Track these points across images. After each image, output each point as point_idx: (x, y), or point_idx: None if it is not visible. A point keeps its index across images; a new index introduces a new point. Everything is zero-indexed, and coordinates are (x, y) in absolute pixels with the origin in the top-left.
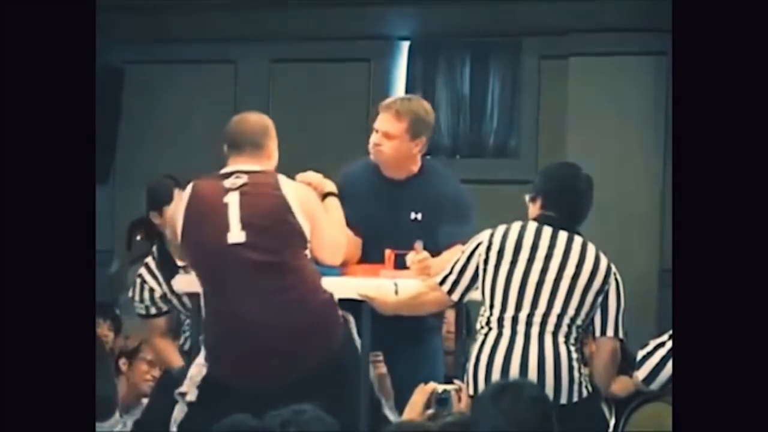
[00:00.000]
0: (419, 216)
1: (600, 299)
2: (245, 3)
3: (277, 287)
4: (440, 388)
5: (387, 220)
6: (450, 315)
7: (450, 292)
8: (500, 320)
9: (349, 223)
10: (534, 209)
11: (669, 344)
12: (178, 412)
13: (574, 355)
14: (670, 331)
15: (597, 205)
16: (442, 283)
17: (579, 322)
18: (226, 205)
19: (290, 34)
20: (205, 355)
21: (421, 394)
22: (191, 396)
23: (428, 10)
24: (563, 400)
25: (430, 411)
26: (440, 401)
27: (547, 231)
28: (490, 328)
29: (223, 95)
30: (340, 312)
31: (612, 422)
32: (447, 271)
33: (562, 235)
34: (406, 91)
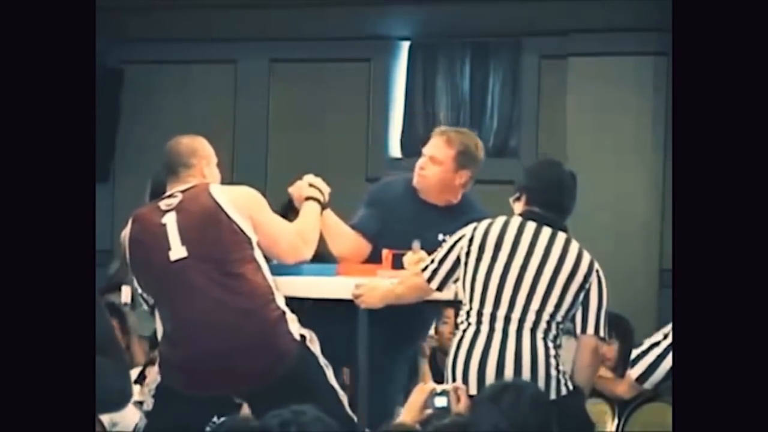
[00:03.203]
0: (447, 237)
1: (581, 296)
2: (245, 3)
3: (223, 300)
4: (439, 388)
5: (413, 237)
6: (452, 315)
7: (429, 280)
8: (479, 316)
9: (360, 227)
10: (519, 206)
11: (663, 344)
12: (140, 421)
13: (552, 352)
14: (664, 330)
15: (597, 205)
16: (423, 270)
17: (558, 318)
18: (164, 226)
19: (290, 34)
20: (158, 364)
21: (419, 394)
22: (147, 405)
23: (428, 10)
24: (557, 394)
25: (429, 411)
26: (439, 401)
27: (530, 227)
28: (468, 324)
29: (223, 95)
30: (299, 329)
31: (614, 423)
32: (429, 260)
33: (546, 231)
34: (406, 91)
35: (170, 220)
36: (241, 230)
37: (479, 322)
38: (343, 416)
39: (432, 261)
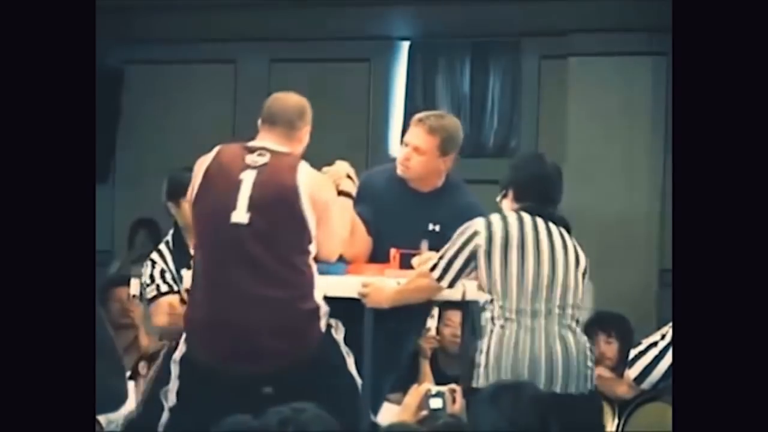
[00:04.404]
0: (437, 227)
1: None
2: (245, 3)
3: (265, 281)
4: (434, 389)
5: (404, 228)
6: (454, 317)
7: (440, 278)
8: (519, 313)
9: (366, 224)
10: (507, 203)
11: (661, 344)
12: (164, 414)
13: (588, 345)
14: (662, 331)
15: (597, 205)
16: (432, 269)
17: (579, 311)
18: (239, 183)
19: (290, 34)
20: (185, 334)
21: (414, 395)
22: (172, 395)
23: (428, 10)
24: (587, 387)
25: (424, 412)
26: (434, 402)
27: (540, 222)
28: (506, 319)
29: (223, 95)
30: (327, 320)
31: (615, 422)
32: (437, 258)
33: (552, 226)
34: (406, 91)
35: (247, 180)
36: (308, 224)
37: (519, 317)
38: (356, 404)
39: (441, 258)
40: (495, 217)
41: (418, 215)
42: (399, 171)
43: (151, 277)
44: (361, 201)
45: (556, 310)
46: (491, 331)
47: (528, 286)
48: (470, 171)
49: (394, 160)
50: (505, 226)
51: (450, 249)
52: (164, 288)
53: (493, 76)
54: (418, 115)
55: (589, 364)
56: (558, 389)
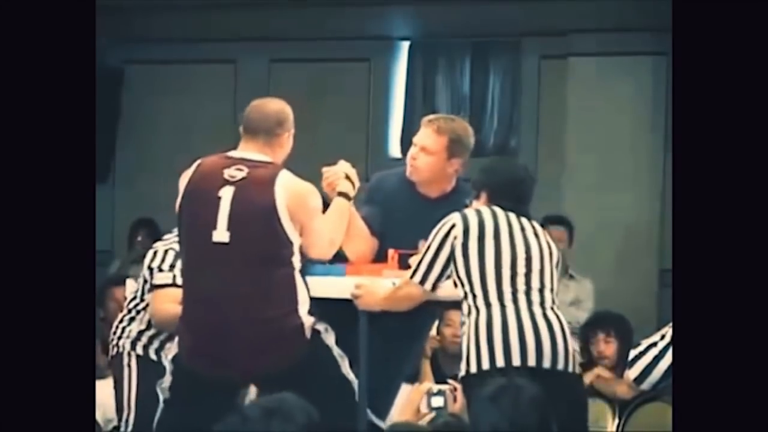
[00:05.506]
0: None
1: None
2: (245, 3)
3: (251, 301)
4: (435, 388)
5: (412, 232)
6: (454, 317)
7: (422, 282)
8: (500, 296)
9: (369, 225)
10: (480, 205)
11: (661, 344)
12: (160, 405)
13: (567, 327)
14: (662, 331)
15: (597, 206)
16: (412, 276)
17: (557, 296)
18: (219, 200)
19: (290, 34)
20: (177, 334)
21: (415, 394)
22: (166, 383)
23: (428, 10)
24: (573, 367)
25: (425, 411)
26: (435, 401)
27: (512, 216)
28: (487, 305)
29: (223, 95)
30: (311, 329)
31: (614, 422)
32: (416, 264)
33: (523, 219)
34: (406, 91)
35: (226, 197)
36: (288, 237)
37: (502, 302)
38: (353, 405)
39: (420, 263)
40: (469, 211)
41: (426, 220)
42: (407, 172)
43: (172, 266)
44: (370, 202)
45: (535, 292)
46: (473, 320)
47: (505, 271)
48: (470, 171)
49: (393, 160)
50: (479, 217)
51: (428, 250)
52: (180, 281)
53: (493, 76)
54: (428, 117)
55: (572, 343)
56: (548, 365)
